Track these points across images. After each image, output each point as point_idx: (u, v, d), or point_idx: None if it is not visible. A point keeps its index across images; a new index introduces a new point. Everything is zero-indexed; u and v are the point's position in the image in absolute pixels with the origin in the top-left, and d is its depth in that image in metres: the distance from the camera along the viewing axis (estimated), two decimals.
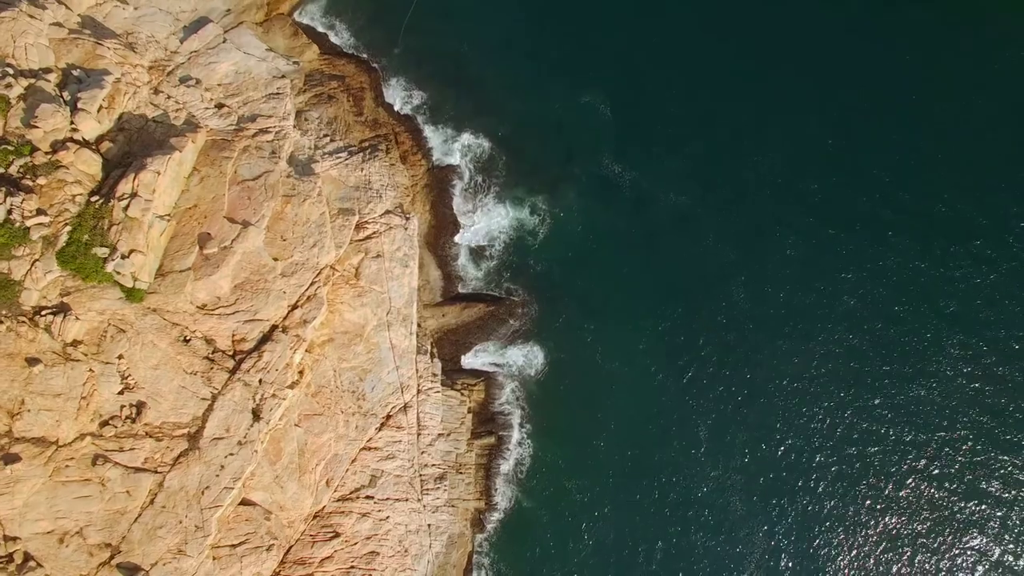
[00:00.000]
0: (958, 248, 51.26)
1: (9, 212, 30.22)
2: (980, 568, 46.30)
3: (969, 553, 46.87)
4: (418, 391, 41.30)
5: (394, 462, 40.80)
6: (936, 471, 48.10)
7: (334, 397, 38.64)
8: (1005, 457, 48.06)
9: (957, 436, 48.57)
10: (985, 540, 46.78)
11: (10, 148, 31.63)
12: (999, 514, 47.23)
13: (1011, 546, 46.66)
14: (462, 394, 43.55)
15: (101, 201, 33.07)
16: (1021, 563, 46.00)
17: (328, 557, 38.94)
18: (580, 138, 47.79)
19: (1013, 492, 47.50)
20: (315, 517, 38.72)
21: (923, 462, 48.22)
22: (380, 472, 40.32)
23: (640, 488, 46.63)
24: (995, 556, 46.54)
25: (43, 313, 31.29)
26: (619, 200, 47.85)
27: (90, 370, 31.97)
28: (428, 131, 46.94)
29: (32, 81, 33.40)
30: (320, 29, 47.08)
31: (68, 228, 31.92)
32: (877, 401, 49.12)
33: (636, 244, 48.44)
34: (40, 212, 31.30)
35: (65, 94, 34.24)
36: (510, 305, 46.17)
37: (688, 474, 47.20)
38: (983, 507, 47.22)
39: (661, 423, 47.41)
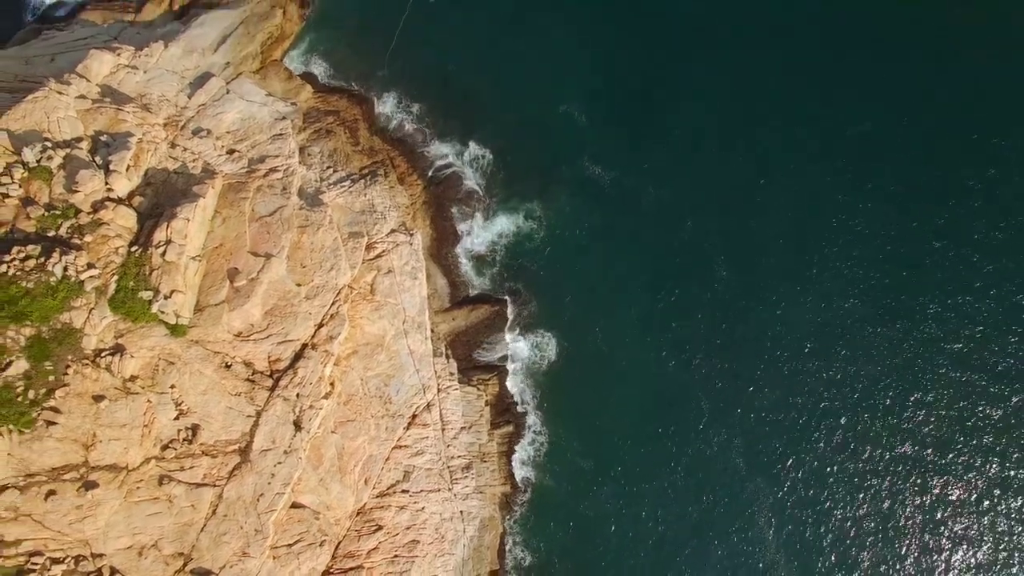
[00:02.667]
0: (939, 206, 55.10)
1: (65, 269, 34.20)
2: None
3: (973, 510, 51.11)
4: (438, 390, 45.30)
5: (423, 457, 44.78)
6: (927, 423, 52.28)
7: (364, 403, 42.67)
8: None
9: (941, 391, 52.68)
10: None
11: (58, 212, 35.61)
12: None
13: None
14: (478, 389, 47.55)
15: (140, 250, 37.04)
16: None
17: (374, 548, 42.94)
18: (562, 144, 51.78)
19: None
20: (358, 513, 42.70)
21: (919, 415, 52.35)
22: (412, 467, 44.32)
23: (649, 458, 50.56)
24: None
25: (102, 354, 35.25)
26: (604, 198, 51.82)
27: (148, 401, 35.93)
28: (420, 152, 50.85)
29: (68, 151, 37.37)
30: (310, 69, 51.02)
31: (115, 277, 35.87)
32: (870, 354, 53.04)
33: (624, 236, 52.37)
34: (90, 266, 35.26)
35: (97, 158, 38.21)
36: (514, 303, 50.16)
37: (693, 439, 51.08)
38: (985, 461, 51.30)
39: (664, 397, 51.29)
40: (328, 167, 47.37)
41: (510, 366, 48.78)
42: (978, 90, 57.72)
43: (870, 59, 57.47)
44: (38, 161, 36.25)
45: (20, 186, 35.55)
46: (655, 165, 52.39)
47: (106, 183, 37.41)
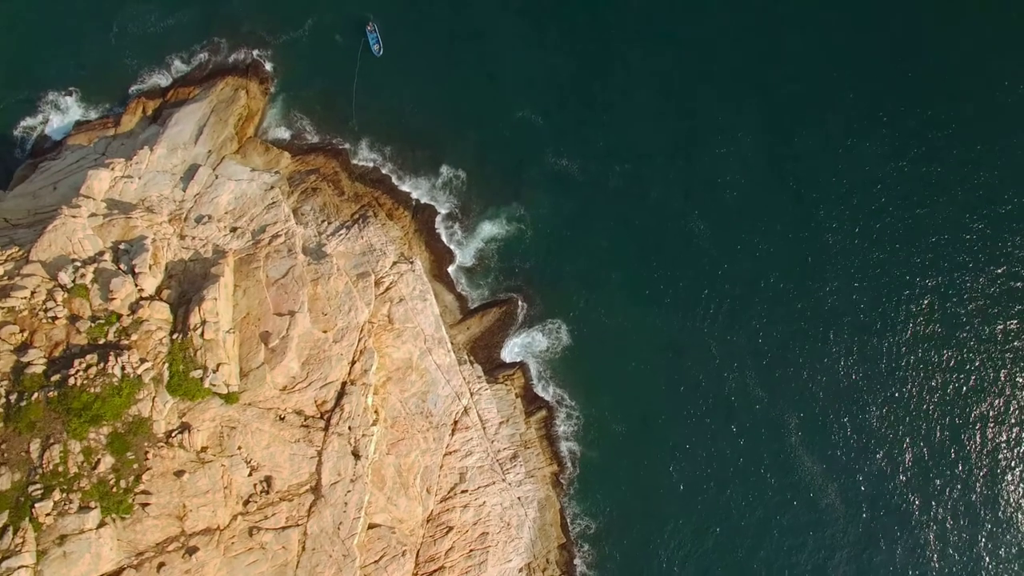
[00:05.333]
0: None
1: (123, 369, 38.30)
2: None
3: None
4: (471, 394, 49.48)
5: (473, 457, 48.95)
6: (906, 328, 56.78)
7: (408, 422, 46.83)
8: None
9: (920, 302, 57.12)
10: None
11: (102, 321, 39.72)
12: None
13: None
14: (506, 385, 51.75)
15: (180, 336, 41.16)
16: None
17: (450, 548, 47.12)
18: (525, 148, 56.07)
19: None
20: (428, 520, 46.88)
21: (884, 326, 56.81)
22: (465, 468, 48.48)
23: (675, 407, 54.90)
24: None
25: (173, 434, 39.37)
26: (575, 186, 56.11)
27: (222, 465, 40.05)
28: (401, 186, 54.99)
29: (95, 265, 41.47)
30: (284, 136, 55.08)
31: (166, 365, 39.96)
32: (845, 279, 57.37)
33: (602, 216, 56.68)
34: (142, 360, 39.34)
35: (121, 265, 42.34)
36: (519, 301, 54.31)
37: (711, 381, 55.43)
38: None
39: (676, 350, 55.77)
40: (322, 221, 51.52)
41: (529, 357, 52.96)
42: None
43: (787, 28, 61.55)
44: (73, 281, 40.34)
45: (64, 307, 39.65)
46: (612, 146, 56.76)
47: (136, 285, 41.51)
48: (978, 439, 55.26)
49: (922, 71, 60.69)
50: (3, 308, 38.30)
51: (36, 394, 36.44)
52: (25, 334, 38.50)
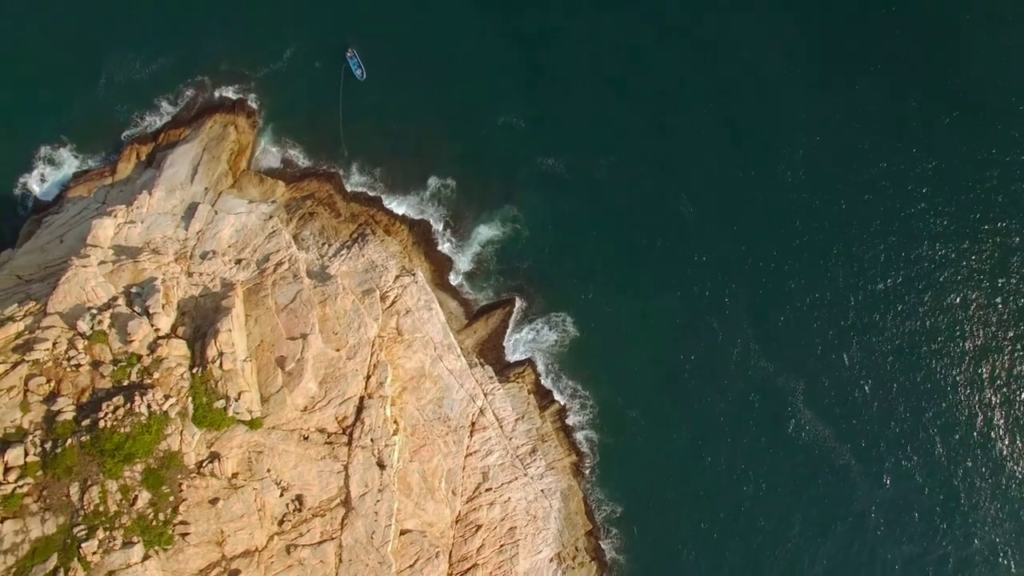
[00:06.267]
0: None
1: (149, 407, 39.75)
2: None
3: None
4: (484, 395, 50.95)
5: (493, 455, 50.41)
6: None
7: (427, 428, 48.28)
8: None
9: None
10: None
11: (124, 364, 41.19)
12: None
13: None
14: (517, 382, 53.27)
15: (200, 370, 42.64)
16: None
17: (481, 546, 48.60)
18: (512, 151, 57.56)
19: None
20: (457, 521, 48.35)
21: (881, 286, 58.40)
22: (487, 467, 49.94)
23: (684, 385, 56.54)
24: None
25: (204, 464, 40.82)
26: (564, 183, 57.66)
27: (254, 489, 41.49)
28: (394, 202, 56.39)
29: (110, 311, 42.90)
30: (276, 166, 56.45)
31: (190, 399, 41.43)
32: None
33: (594, 209, 58.26)
34: (166, 397, 40.79)
35: (135, 308, 43.78)
36: (522, 300, 55.79)
37: (716, 355, 57.04)
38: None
39: (679, 329, 57.27)
40: (323, 243, 52.98)
41: (537, 352, 54.45)
42: None
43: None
44: (92, 328, 41.78)
45: (86, 353, 41.09)
46: (595, 140, 58.36)
47: (152, 325, 42.97)
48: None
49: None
50: (28, 361, 39.71)
51: (69, 440, 37.90)
52: (52, 384, 39.94)
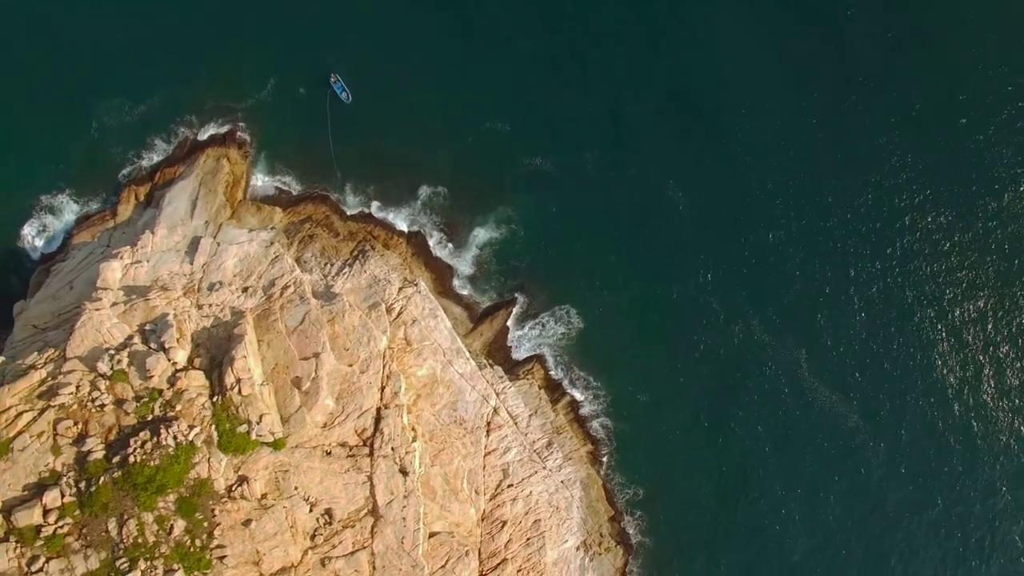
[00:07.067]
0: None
1: (175, 438, 41.12)
2: None
3: None
4: (496, 394, 52.32)
5: (511, 452, 51.75)
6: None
7: (445, 432, 49.63)
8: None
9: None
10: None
11: (146, 399, 42.53)
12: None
13: None
14: (527, 379, 54.60)
15: (220, 398, 43.99)
16: None
17: (508, 541, 49.98)
18: (499, 154, 58.82)
19: None
20: (483, 519, 49.73)
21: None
22: (506, 464, 51.30)
23: (692, 367, 57.81)
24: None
25: (233, 488, 42.19)
26: (554, 180, 58.97)
27: (284, 507, 42.86)
28: (390, 216, 57.64)
29: (127, 349, 44.24)
30: (272, 193, 57.75)
31: (213, 426, 42.79)
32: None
33: (586, 202, 59.57)
34: (191, 427, 42.13)
35: (151, 344, 45.13)
36: (524, 298, 57.13)
37: (719, 337, 58.38)
38: None
39: (678, 312, 58.64)
40: (325, 264, 54.28)
41: (543, 347, 55.80)
42: None
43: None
44: (111, 368, 43.13)
45: (108, 393, 42.47)
46: (580, 137, 59.74)
47: (169, 359, 44.31)
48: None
49: None
50: (55, 406, 41.10)
51: (103, 478, 39.32)
52: (79, 426, 41.32)
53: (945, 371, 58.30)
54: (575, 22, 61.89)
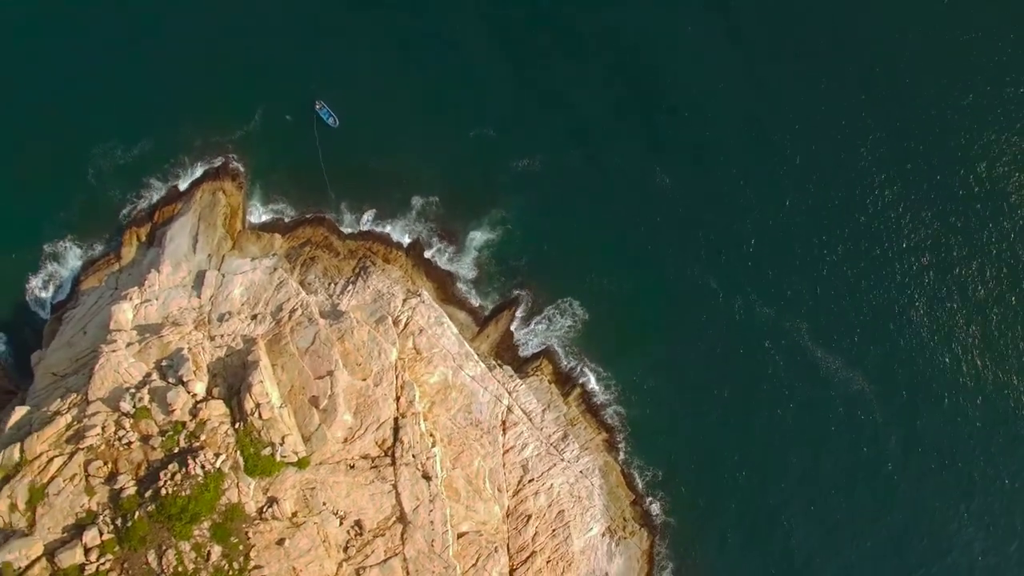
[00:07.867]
0: None
1: (203, 467, 42.36)
2: None
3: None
4: (508, 393, 53.59)
5: (528, 448, 53.00)
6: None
7: (462, 435, 50.89)
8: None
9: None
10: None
11: (170, 433, 43.81)
12: None
13: None
14: (536, 375, 55.90)
15: (241, 424, 45.25)
16: None
17: (535, 534, 51.25)
18: (487, 159, 60.22)
19: None
20: (508, 516, 50.99)
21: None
22: (525, 460, 52.56)
23: (697, 346, 59.17)
24: None
25: (264, 510, 43.45)
26: (543, 179, 60.37)
27: (314, 523, 44.12)
28: (387, 230, 58.92)
29: (147, 387, 45.48)
30: (270, 220, 58.97)
31: (238, 451, 44.05)
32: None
33: (577, 197, 60.87)
34: (217, 455, 43.37)
35: (170, 379, 46.42)
36: (526, 295, 58.29)
37: (721, 313, 59.68)
38: None
39: (678, 294, 59.90)
40: (329, 284, 55.55)
41: (550, 342, 57.07)
42: None
43: None
44: (134, 406, 44.37)
45: (133, 431, 43.72)
46: (563, 134, 61.15)
47: (188, 392, 45.57)
48: None
49: None
50: (83, 449, 42.34)
51: (137, 513, 40.53)
52: (109, 465, 42.57)
53: (952, 339, 59.51)
54: (552, 28, 63.33)
